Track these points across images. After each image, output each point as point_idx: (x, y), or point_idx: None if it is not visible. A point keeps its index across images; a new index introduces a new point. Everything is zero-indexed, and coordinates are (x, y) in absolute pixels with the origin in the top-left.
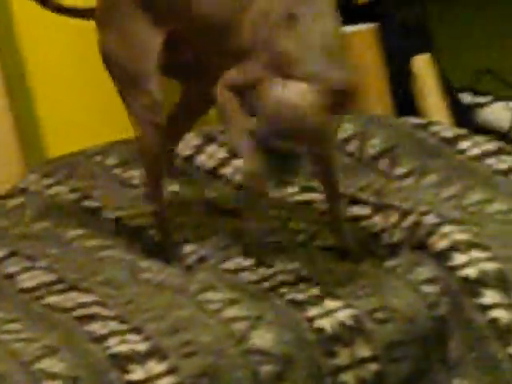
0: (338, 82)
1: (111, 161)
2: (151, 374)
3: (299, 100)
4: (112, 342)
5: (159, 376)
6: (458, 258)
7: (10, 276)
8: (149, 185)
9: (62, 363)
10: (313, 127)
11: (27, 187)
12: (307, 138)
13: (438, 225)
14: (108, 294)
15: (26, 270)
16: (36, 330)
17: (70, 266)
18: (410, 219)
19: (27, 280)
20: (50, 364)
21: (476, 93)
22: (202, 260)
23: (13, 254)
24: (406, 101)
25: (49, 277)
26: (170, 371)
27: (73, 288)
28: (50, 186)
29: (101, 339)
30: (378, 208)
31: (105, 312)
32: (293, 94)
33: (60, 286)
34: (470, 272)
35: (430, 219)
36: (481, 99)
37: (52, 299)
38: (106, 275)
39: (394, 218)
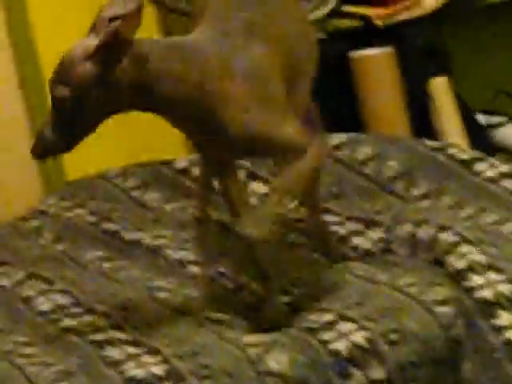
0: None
1: (130, 183)
2: None
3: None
4: (128, 365)
5: None
6: (475, 280)
7: (27, 299)
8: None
9: None
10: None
11: (46, 210)
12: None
13: (456, 244)
14: (125, 317)
15: (43, 292)
16: (52, 353)
17: (86, 289)
18: (427, 236)
19: (44, 303)
20: None
21: (492, 113)
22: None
23: (30, 276)
24: (422, 122)
25: (65, 299)
26: None
27: (90, 311)
28: (68, 209)
29: (117, 363)
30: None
31: (121, 336)
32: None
33: (76, 309)
34: (487, 294)
35: (447, 237)
36: (497, 119)
37: (68, 322)
38: (122, 297)
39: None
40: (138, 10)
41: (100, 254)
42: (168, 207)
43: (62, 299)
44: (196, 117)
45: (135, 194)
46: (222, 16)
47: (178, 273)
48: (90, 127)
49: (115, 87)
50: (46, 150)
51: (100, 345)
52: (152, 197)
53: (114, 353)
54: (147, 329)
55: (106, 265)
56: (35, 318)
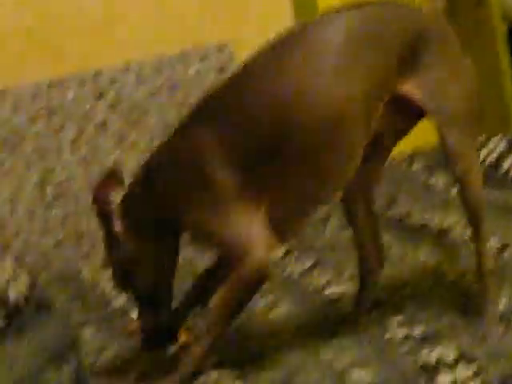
0: None
1: (416, 166)
2: None
3: None
4: None
5: None
6: None
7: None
8: None
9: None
10: None
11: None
12: None
13: None
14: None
15: (330, 282)
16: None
17: None
18: None
19: (333, 292)
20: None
21: None
22: None
23: (318, 262)
24: None
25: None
26: None
27: None
28: None
29: None
30: None
31: None
32: None
33: None
34: None
35: None
36: None
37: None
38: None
39: None
40: None
41: (387, 238)
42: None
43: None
44: None
45: (421, 177)
46: None
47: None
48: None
49: None
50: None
51: None
52: (437, 180)
53: None
54: None
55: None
56: (328, 307)
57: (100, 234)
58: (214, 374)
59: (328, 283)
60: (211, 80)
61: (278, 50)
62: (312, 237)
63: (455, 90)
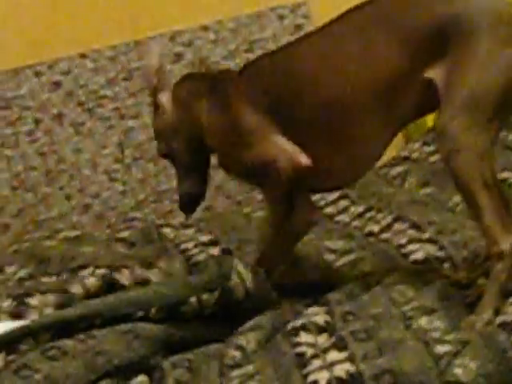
0: None
1: None
2: None
3: None
4: None
5: None
6: None
7: (399, 246)
8: None
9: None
10: None
11: (409, 155)
12: None
13: None
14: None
15: (413, 240)
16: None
17: (454, 238)
18: None
19: (416, 251)
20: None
21: None
22: None
23: (397, 219)
24: None
25: (434, 249)
26: None
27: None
28: (432, 154)
29: None
30: None
31: None
32: None
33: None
34: None
35: None
36: None
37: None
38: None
39: None
40: None
41: None
42: None
43: (432, 249)
44: None
45: None
46: None
47: None
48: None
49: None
50: (190, 203)
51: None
52: None
53: None
54: None
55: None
56: (410, 266)
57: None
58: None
59: (409, 241)
60: (287, 40)
61: (323, 32)
62: (390, 193)
63: (476, 78)
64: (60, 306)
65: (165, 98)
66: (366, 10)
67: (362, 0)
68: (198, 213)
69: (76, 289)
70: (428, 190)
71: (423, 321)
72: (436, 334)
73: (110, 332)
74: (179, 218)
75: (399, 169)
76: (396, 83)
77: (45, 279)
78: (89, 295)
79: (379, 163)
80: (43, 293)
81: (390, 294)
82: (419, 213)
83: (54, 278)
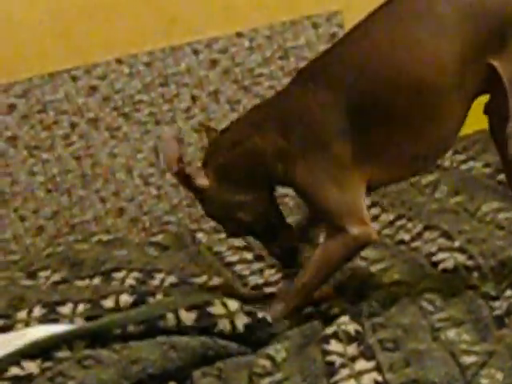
0: None
1: None
2: None
3: None
4: None
5: None
6: None
7: (429, 255)
8: None
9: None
10: None
11: (441, 163)
12: None
13: None
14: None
15: (443, 249)
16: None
17: (484, 247)
18: None
19: (445, 260)
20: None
21: None
22: None
23: (427, 228)
24: None
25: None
26: None
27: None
28: (463, 162)
29: None
30: None
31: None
32: None
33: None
34: None
35: None
36: None
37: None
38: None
39: None
40: None
41: (496, 205)
42: None
43: (461, 258)
44: None
45: None
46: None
47: None
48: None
49: None
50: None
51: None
52: None
53: None
54: None
55: (501, 216)
56: (440, 275)
57: None
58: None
59: (439, 250)
60: (321, 48)
61: (383, 17)
62: (421, 202)
63: None
64: (90, 318)
65: (204, 180)
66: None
67: None
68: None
69: (108, 303)
70: (458, 198)
71: (451, 333)
72: (463, 346)
73: (146, 343)
74: (212, 222)
75: (431, 177)
76: (466, 63)
77: (78, 283)
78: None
79: None
80: (75, 302)
81: (419, 304)
82: (450, 222)
83: (87, 281)
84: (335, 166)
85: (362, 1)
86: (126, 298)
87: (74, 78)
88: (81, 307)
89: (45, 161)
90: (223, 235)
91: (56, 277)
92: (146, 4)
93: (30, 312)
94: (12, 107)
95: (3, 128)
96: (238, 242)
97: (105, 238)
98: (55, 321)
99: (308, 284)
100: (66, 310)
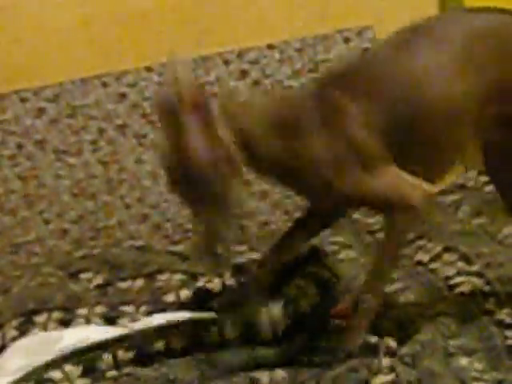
0: None
1: None
2: None
3: None
4: None
5: None
6: None
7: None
8: None
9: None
10: None
11: (465, 183)
12: None
13: None
14: None
15: (461, 273)
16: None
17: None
18: None
19: (461, 284)
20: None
21: None
22: None
23: (447, 249)
24: None
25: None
26: None
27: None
28: (487, 183)
29: None
30: None
31: None
32: None
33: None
34: None
35: None
36: None
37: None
38: None
39: None
40: None
41: None
42: None
43: (479, 282)
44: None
45: None
46: None
47: None
48: None
49: None
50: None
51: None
52: None
53: None
54: None
55: None
56: (456, 298)
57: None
58: None
59: (457, 273)
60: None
61: (409, 37)
62: (442, 222)
63: None
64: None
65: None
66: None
67: None
68: (253, 229)
69: (170, 298)
70: (480, 220)
71: (463, 361)
72: (474, 374)
73: (185, 360)
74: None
75: (454, 197)
76: (486, 100)
77: (121, 284)
78: (180, 303)
79: None
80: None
81: (435, 325)
82: (469, 244)
83: (129, 283)
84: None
85: (394, 15)
86: (186, 292)
87: (105, 84)
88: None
89: (72, 165)
90: (243, 247)
91: (99, 279)
92: (178, 13)
93: (91, 309)
94: (42, 111)
95: (32, 131)
96: (255, 255)
97: (136, 243)
98: (116, 319)
99: (392, 265)
100: (129, 309)
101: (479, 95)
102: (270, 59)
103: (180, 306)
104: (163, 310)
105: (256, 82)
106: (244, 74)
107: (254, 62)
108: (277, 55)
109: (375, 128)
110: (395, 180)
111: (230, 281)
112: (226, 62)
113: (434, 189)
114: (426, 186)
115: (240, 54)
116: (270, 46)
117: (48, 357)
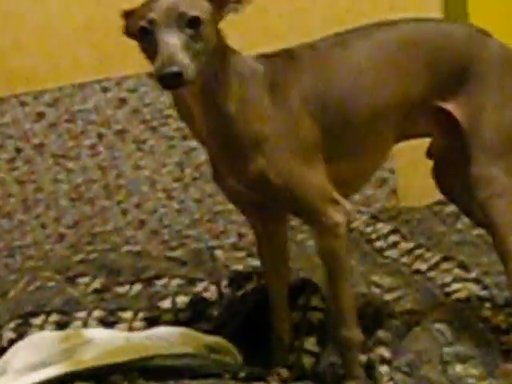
0: None
1: None
2: None
3: None
4: None
5: None
6: None
7: (443, 285)
8: None
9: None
10: None
11: None
12: None
13: None
14: None
15: (458, 280)
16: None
17: (499, 279)
18: None
19: (459, 290)
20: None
21: None
22: None
23: (445, 259)
24: None
25: (479, 289)
26: None
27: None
28: None
29: None
30: None
31: None
32: None
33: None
34: None
35: None
36: None
37: (486, 312)
38: None
39: None
40: None
41: None
42: None
43: (475, 288)
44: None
45: None
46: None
47: None
48: None
49: None
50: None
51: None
52: None
53: None
54: None
55: None
56: (454, 304)
57: (234, 215)
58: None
59: (454, 280)
60: None
61: (348, 37)
62: (442, 232)
63: (499, 118)
64: (150, 319)
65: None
66: (394, 30)
67: None
68: (251, 236)
69: (166, 304)
70: (479, 230)
71: (459, 368)
72: (470, 380)
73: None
74: (232, 238)
75: (453, 207)
76: (415, 103)
77: (119, 289)
78: (177, 310)
79: (435, 199)
80: (134, 311)
81: (431, 333)
82: (468, 253)
83: (127, 288)
84: (305, 149)
85: None
86: (182, 299)
87: (105, 89)
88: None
89: (70, 170)
90: (242, 253)
91: (96, 283)
92: None
93: (89, 313)
94: (41, 115)
95: (31, 135)
96: (255, 261)
97: (133, 249)
98: (113, 324)
99: (346, 297)
100: (126, 315)
101: (406, 99)
102: None
103: (176, 312)
104: (159, 317)
105: None
106: None
107: None
108: None
109: (314, 108)
110: (323, 185)
111: (227, 290)
112: None
113: (352, 207)
114: (347, 203)
115: None
116: None
117: (53, 353)
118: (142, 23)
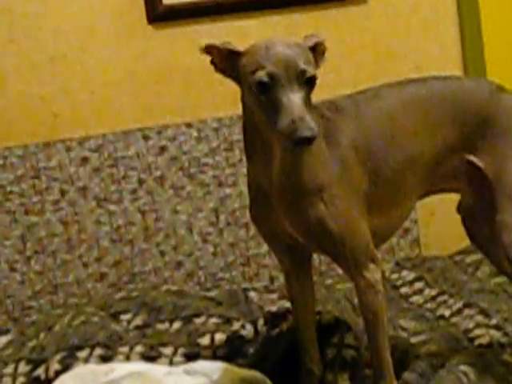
0: None
1: None
2: None
3: None
4: None
5: None
6: None
7: (466, 331)
8: None
9: None
10: None
11: None
12: None
13: None
14: None
15: (480, 325)
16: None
17: None
18: None
19: (480, 336)
20: None
21: None
22: None
23: (467, 305)
24: None
25: (500, 335)
26: None
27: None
28: None
29: None
30: None
31: None
32: None
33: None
34: None
35: None
36: None
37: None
38: None
39: None
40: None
41: None
42: None
43: (497, 335)
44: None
45: None
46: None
47: None
48: None
49: None
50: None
51: None
52: None
53: None
54: None
55: None
56: (475, 350)
57: (266, 259)
58: None
59: (477, 326)
60: None
61: (380, 89)
62: (463, 280)
63: None
64: (189, 355)
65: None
66: (423, 85)
67: None
68: (282, 279)
69: (205, 341)
70: (498, 279)
71: None
72: None
73: None
74: (264, 281)
75: (474, 257)
76: (443, 155)
77: (160, 326)
78: (215, 347)
79: (457, 249)
80: (175, 347)
81: (456, 375)
82: (488, 301)
83: (167, 325)
84: (357, 199)
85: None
86: (220, 336)
87: (146, 137)
88: (181, 349)
89: (111, 212)
90: (274, 295)
91: (138, 320)
92: (206, 74)
93: (131, 348)
94: (85, 160)
95: (76, 178)
96: (287, 303)
97: (172, 288)
98: (154, 359)
99: (385, 350)
100: (167, 350)
101: (435, 150)
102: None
103: (214, 349)
104: (198, 353)
105: None
106: None
107: None
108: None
109: (362, 157)
110: (369, 238)
111: (263, 328)
112: None
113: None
114: (379, 257)
115: None
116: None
117: None
118: (262, 77)
